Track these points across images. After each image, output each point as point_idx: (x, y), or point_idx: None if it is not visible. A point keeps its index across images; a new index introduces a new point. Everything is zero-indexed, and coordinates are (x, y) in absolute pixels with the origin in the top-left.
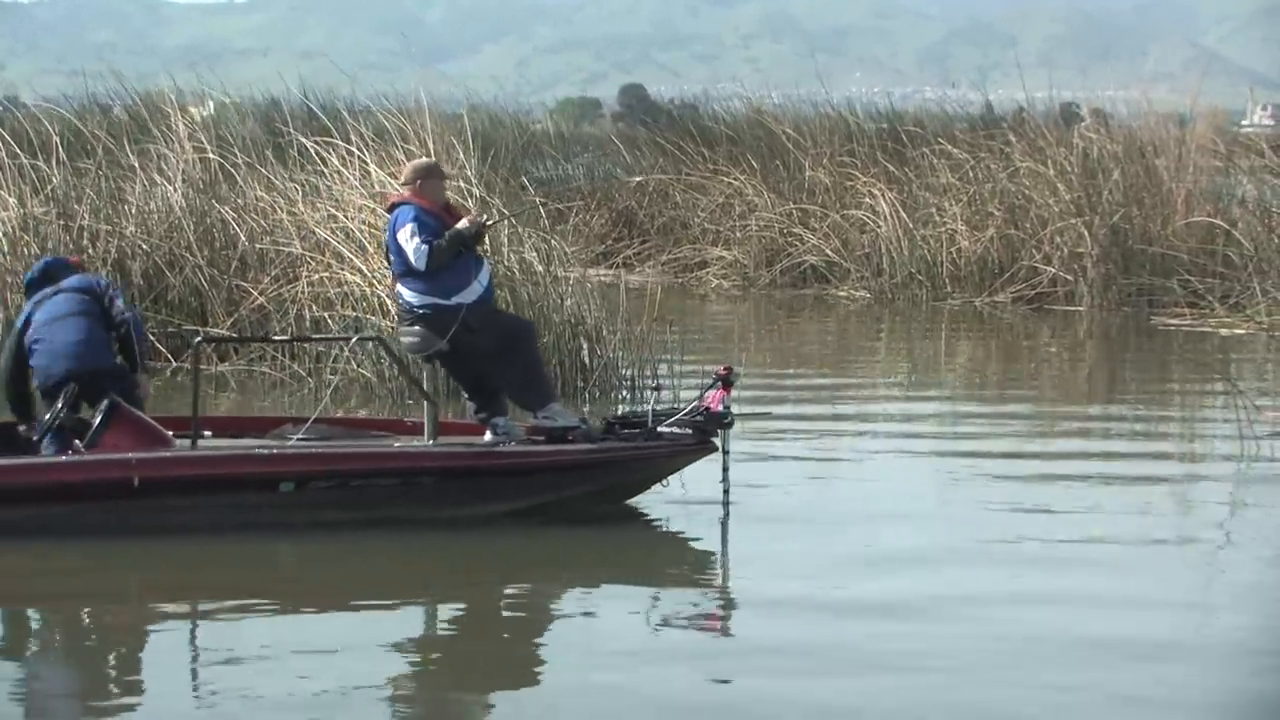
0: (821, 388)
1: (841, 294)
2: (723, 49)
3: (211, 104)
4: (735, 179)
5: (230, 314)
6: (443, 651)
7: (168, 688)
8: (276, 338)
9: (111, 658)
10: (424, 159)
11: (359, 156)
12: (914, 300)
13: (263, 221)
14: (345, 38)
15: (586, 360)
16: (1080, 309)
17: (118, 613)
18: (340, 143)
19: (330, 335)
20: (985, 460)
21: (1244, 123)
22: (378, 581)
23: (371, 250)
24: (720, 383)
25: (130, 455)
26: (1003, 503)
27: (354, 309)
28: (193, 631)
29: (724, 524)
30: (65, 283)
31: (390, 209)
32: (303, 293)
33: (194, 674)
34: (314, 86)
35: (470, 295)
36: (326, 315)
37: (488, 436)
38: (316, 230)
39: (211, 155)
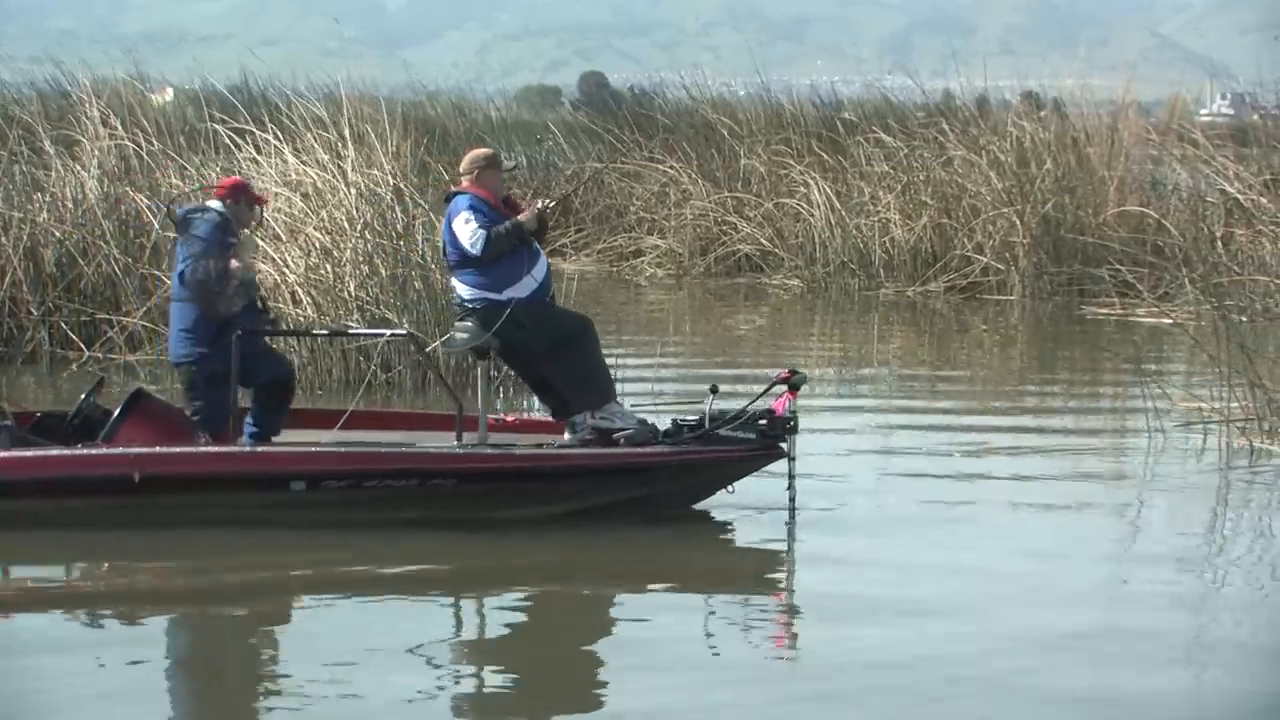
0: (753, 380)
1: (775, 283)
2: (684, 37)
3: (171, 91)
4: (671, 167)
5: (143, 303)
6: (493, 654)
7: (217, 688)
8: (317, 332)
9: (152, 657)
10: (483, 149)
11: (274, 144)
12: (846, 290)
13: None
14: (307, 24)
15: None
16: (1012, 298)
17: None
18: (254, 130)
19: (366, 331)
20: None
21: (1203, 111)
22: (424, 583)
23: (285, 239)
24: (787, 387)
25: (131, 450)
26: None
27: (268, 298)
28: (247, 631)
29: (790, 530)
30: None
31: (447, 199)
32: None
33: (260, 674)
34: (260, 73)
35: (523, 290)
36: None
37: (565, 436)
38: None
39: (127, 142)
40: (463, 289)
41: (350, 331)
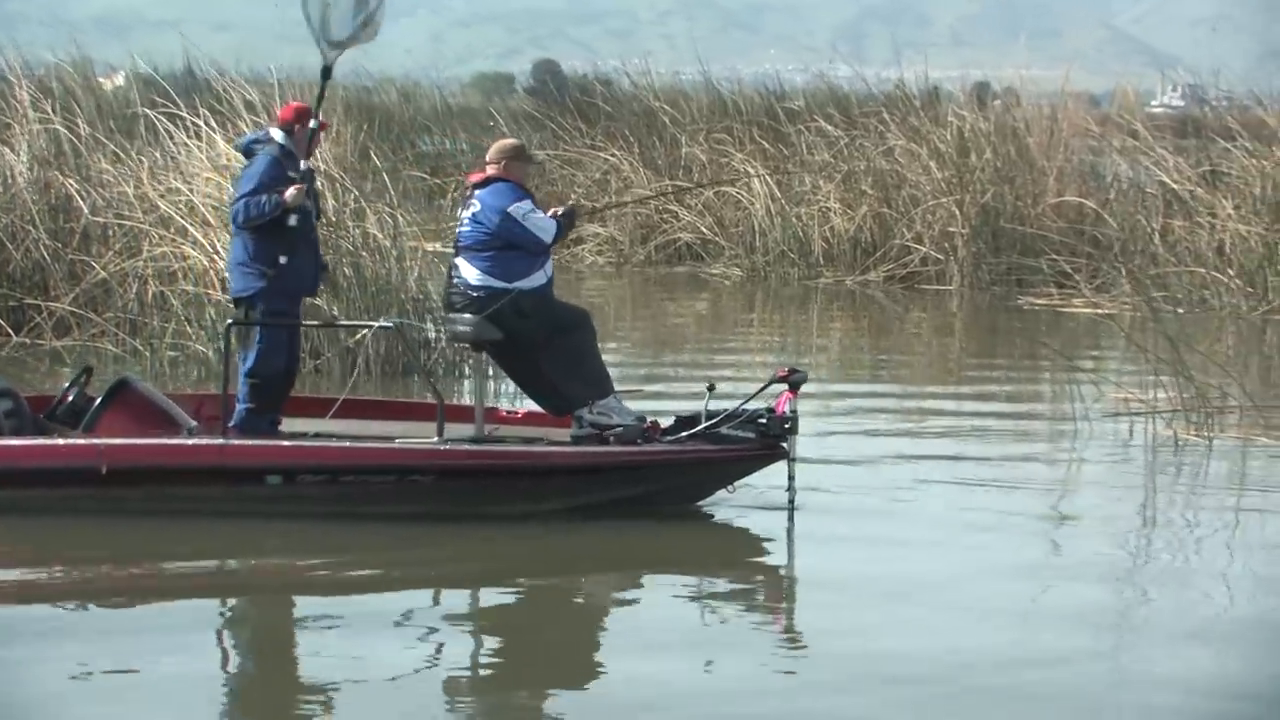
0: (693, 364)
1: (715, 272)
2: (638, 25)
3: (122, 76)
4: (612, 154)
5: (72, 288)
6: (492, 646)
7: (221, 676)
8: (306, 323)
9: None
10: (510, 140)
11: (205, 129)
12: (785, 279)
13: (106, 194)
14: (259, 10)
15: (431, 338)
16: (950, 288)
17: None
18: (185, 115)
19: (354, 323)
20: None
21: (1154, 103)
22: (423, 575)
23: (216, 224)
24: (787, 385)
25: (99, 441)
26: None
27: (195, 284)
28: (238, 623)
29: (789, 532)
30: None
31: (481, 184)
32: (145, 267)
33: (247, 665)
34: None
35: (533, 283)
36: (168, 290)
37: (573, 430)
38: (160, 204)
39: (58, 126)
40: (471, 274)
41: (339, 323)
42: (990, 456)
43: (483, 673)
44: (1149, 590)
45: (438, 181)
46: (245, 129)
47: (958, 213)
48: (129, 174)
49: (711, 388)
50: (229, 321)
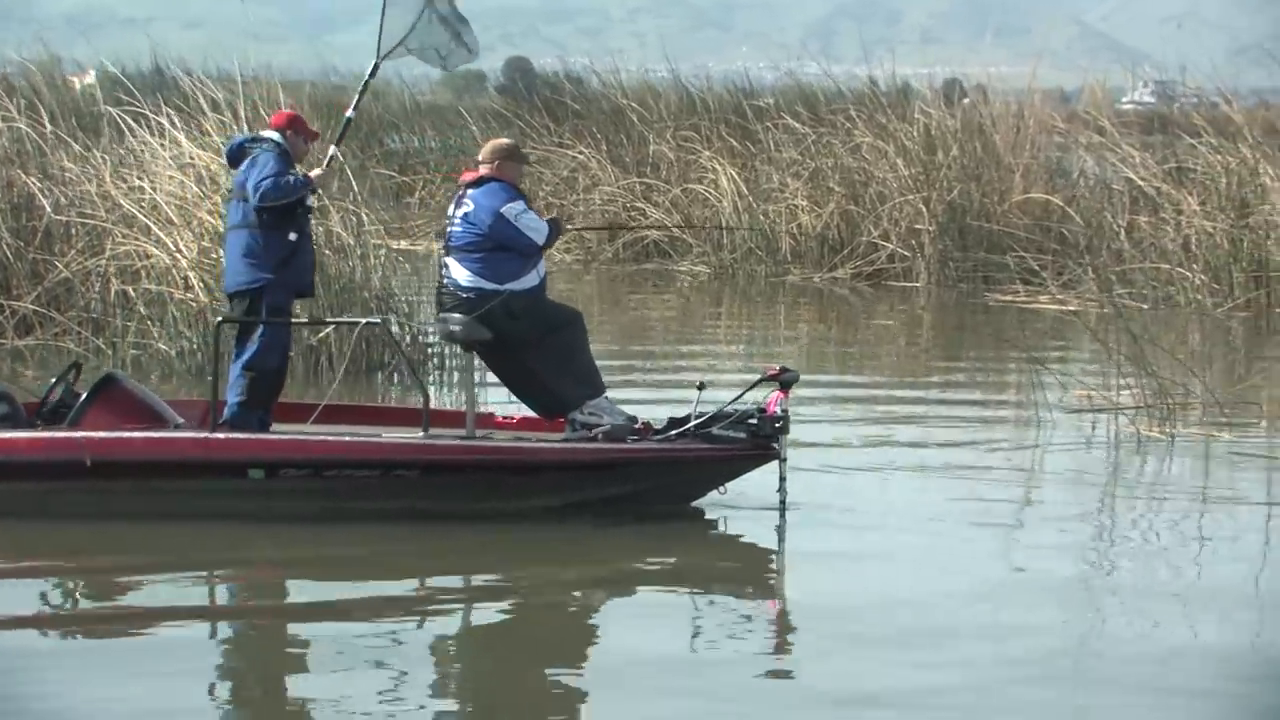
0: (664, 353)
1: (682, 269)
2: (609, 23)
3: (93, 74)
4: (580, 152)
5: (35, 287)
6: (480, 646)
7: (199, 685)
8: (293, 320)
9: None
10: (504, 140)
11: (168, 127)
12: (753, 276)
13: (69, 193)
14: (229, 7)
15: (396, 335)
16: (917, 285)
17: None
18: (149, 113)
19: (341, 320)
20: None
21: (1124, 100)
22: (407, 576)
23: (179, 223)
24: (778, 385)
25: (82, 434)
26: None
27: (158, 283)
28: (223, 626)
29: (780, 531)
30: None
31: (474, 184)
32: (107, 265)
33: (231, 672)
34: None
35: (524, 284)
36: (130, 289)
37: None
38: (122, 202)
39: (21, 125)
40: (462, 275)
41: (326, 321)
42: (954, 461)
43: (472, 672)
44: (1116, 565)
45: (406, 179)
46: (210, 128)
47: (924, 210)
48: (92, 172)
49: (702, 387)
50: (219, 319)
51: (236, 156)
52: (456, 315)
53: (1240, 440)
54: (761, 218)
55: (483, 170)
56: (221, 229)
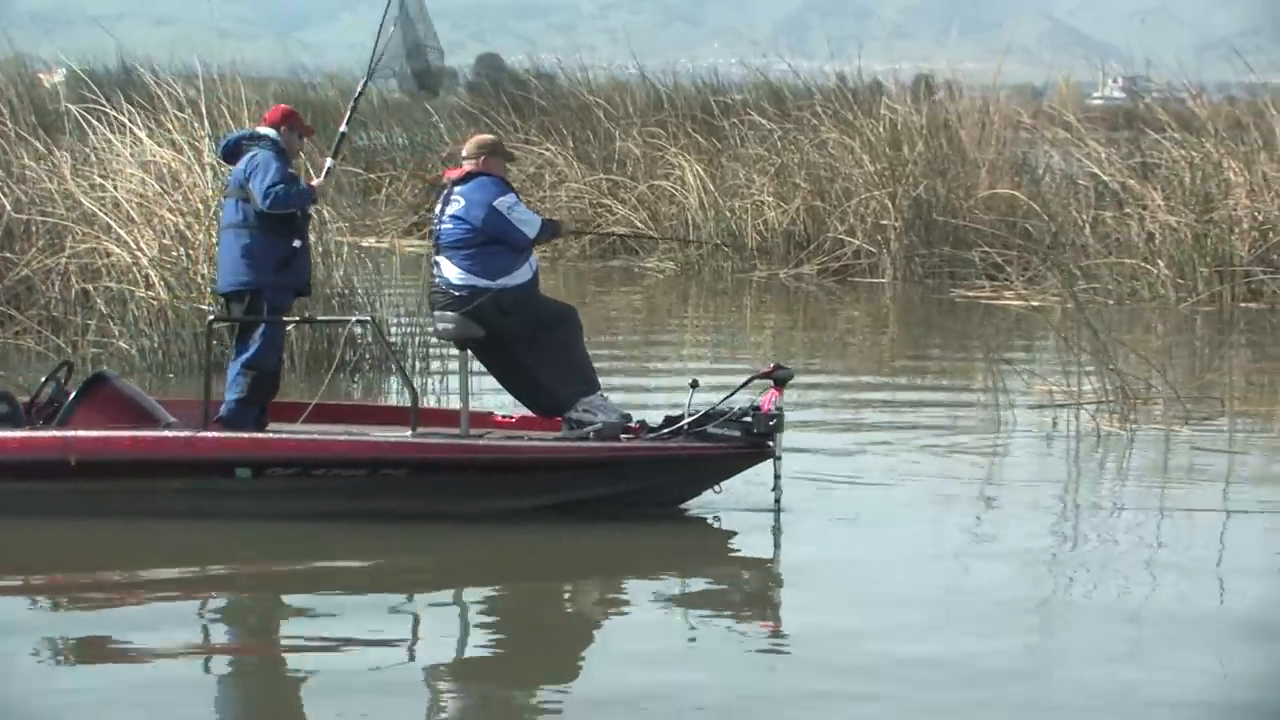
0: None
1: (649, 265)
2: (581, 19)
3: (63, 72)
4: (546, 149)
5: None
6: (475, 646)
7: (185, 687)
8: (282, 319)
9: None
10: (487, 135)
11: (129, 125)
12: (719, 272)
13: (29, 191)
14: (199, 5)
15: (356, 334)
16: (883, 281)
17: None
18: (109, 110)
19: (330, 318)
20: None
21: (1095, 95)
22: (404, 577)
23: (139, 221)
24: (772, 383)
25: (68, 433)
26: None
27: (118, 281)
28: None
29: (776, 532)
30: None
31: (461, 180)
32: (68, 264)
33: (229, 667)
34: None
35: (516, 280)
36: (90, 287)
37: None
38: (83, 200)
39: None
40: (453, 273)
41: (316, 319)
42: (917, 457)
43: (465, 673)
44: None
45: (373, 177)
46: (172, 126)
47: (890, 205)
48: (53, 170)
49: (695, 384)
50: (210, 318)
51: (232, 152)
52: (449, 313)
53: (1199, 434)
54: (727, 214)
55: (467, 166)
56: (182, 227)
